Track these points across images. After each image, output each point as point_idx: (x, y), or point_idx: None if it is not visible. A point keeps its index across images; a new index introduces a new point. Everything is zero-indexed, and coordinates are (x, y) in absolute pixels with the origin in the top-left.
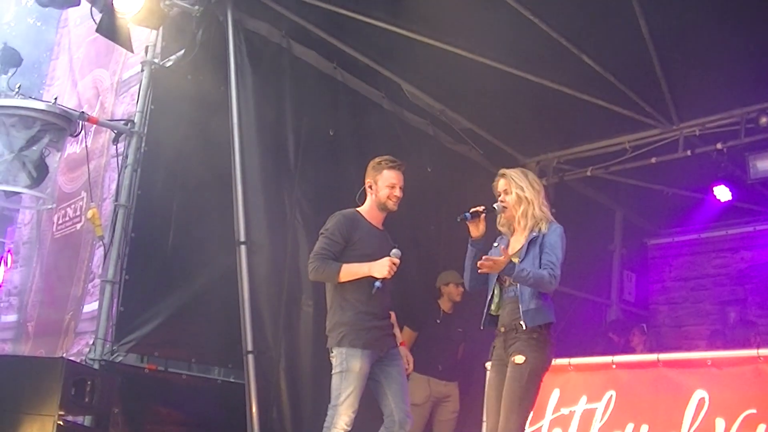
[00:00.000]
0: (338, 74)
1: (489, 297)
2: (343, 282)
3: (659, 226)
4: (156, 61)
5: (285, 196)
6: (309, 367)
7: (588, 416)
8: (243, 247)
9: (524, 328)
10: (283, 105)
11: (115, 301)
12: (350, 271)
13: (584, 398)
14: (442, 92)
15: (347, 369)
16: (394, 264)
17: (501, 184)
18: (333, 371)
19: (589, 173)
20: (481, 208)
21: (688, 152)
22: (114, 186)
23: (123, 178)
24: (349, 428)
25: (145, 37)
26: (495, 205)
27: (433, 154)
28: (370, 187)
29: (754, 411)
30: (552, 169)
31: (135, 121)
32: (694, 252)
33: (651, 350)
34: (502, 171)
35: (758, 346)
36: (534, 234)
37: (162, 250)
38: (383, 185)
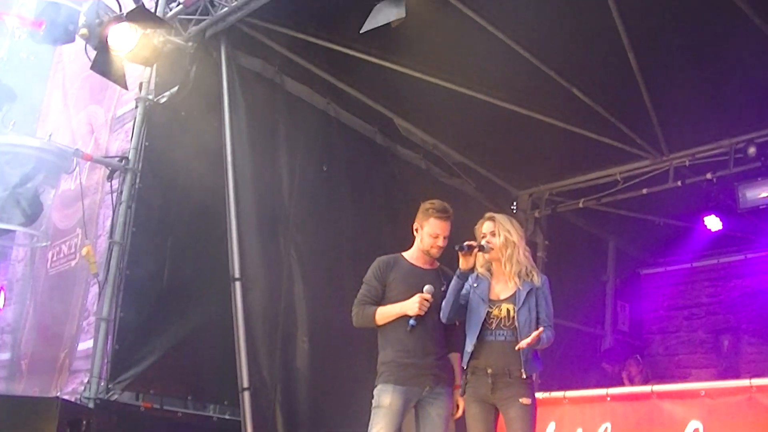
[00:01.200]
0: (331, 109)
1: (467, 333)
2: (382, 324)
3: (652, 256)
4: (150, 97)
5: (279, 231)
6: (305, 404)
7: None
8: (238, 284)
9: (524, 377)
10: (276, 140)
11: (110, 338)
12: (385, 313)
13: (580, 430)
14: (434, 126)
15: (378, 404)
16: (426, 300)
17: (487, 226)
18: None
19: (581, 205)
20: (475, 243)
21: (679, 182)
22: (109, 223)
23: (117, 215)
24: None
25: (139, 74)
26: (483, 244)
27: (426, 188)
28: (416, 230)
29: None
30: (544, 201)
31: (129, 157)
32: (686, 281)
33: (647, 380)
34: (489, 214)
35: (751, 376)
36: (529, 285)
37: (157, 287)
38: (427, 233)
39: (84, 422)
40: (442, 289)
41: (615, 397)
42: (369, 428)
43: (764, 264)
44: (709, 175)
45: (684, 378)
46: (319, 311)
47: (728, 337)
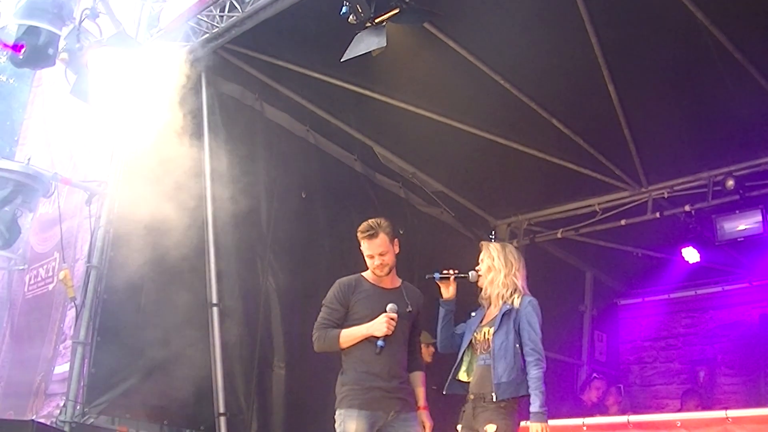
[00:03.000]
0: (311, 137)
1: (457, 362)
2: (347, 347)
3: (629, 287)
4: (129, 121)
5: (257, 258)
6: (281, 430)
7: None
8: (215, 309)
9: (495, 400)
10: (256, 167)
11: (87, 362)
12: (350, 335)
13: None
14: (413, 155)
15: (343, 431)
16: (392, 319)
17: (481, 254)
18: None
19: (559, 235)
20: (451, 272)
21: (657, 214)
22: (86, 247)
23: (95, 239)
24: None
25: (118, 99)
26: (470, 273)
27: (405, 217)
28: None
29: None
30: (523, 230)
31: (108, 182)
32: (664, 312)
33: (624, 411)
34: (482, 243)
35: (726, 408)
36: (507, 307)
37: (134, 311)
38: (365, 255)
39: None
40: (407, 309)
41: (591, 427)
42: None
43: (741, 296)
44: (687, 207)
45: (660, 408)
46: (296, 338)
47: (704, 368)
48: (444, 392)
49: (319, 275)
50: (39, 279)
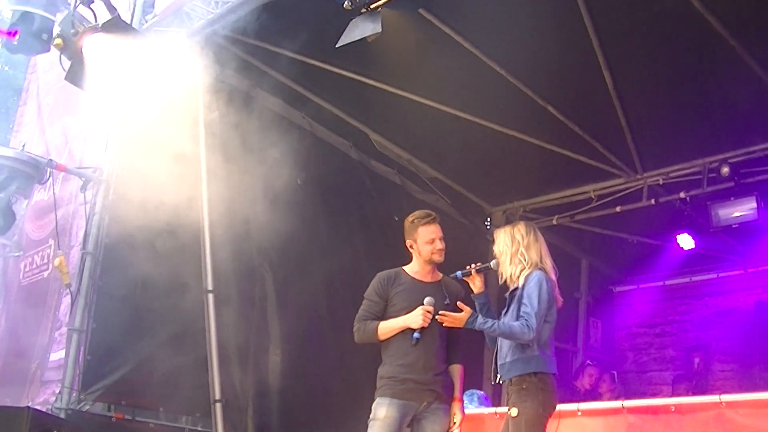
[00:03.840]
0: (306, 123)
1: (496, 351)
2: (385, 339)
3: (624, 274)
4: (124, 108)
5: (253, 244)
6: (277, 416)
7: None
8: (211, 296)
9: (499, 381)
10: (251, 153)
11: (82, 349)
12: (387, 327)
13: None
14: (409, 142)
15: (373, 417)
16: (428, 312)
17: None
18: None
19: (554, 222)
20: (472, 266)
21: (652, 201)
22: (82, 233)
23: (91, 225)
24: None
25: (114, 85)
26: (491, 263)
27: (400, 204)
28: (411, 247)
29: None
30: (518, 217)
31: (103, 168)
32: (659, 299)
33: (617, 399)
34: (495, 230)
35: (721, 392)
36: (514, 287)
37: (129, 298)
38: (423, 242)
39: None
40: (445, 302)
41: (586, 412)
42: None
43: (736, 283)
44: (682, 194)
45: (655, 395)
46: (292, 324)
47: (699, 355)
48: (492, 382)
49: (315, 261)
50: (34, 266)
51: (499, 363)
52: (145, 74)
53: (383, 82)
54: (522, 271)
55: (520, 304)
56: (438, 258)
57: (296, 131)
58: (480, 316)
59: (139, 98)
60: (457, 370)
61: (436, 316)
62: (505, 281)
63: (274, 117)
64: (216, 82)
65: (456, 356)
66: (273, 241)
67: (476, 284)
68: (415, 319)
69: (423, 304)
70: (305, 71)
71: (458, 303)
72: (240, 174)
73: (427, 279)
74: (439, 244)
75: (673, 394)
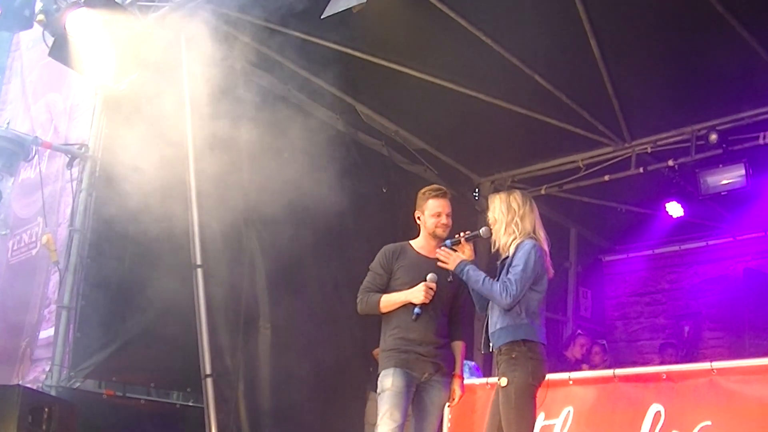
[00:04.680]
0: (293, 96)
1: (486, 319)
2: (387, 312)
3: (613, 243)
4: (110, 84)
5: (241, 218)
6: (268, 390)
7: None
8: (199, 271)
9: (490, 350)
10: (237, 128)
11: (72, 326)
12: (389, 300)
13: (542, 415)
14: (396, 113)
15: (381, 389)
16: (431, 288)
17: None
18: None
19: (543, 191)
20: (461, 234)
21: (641, 169)
22: (69, 211)
23: (78, 202)
24: None
25: (98, 61)
26: (482, 230)
27: (388, 175)
28: (419, 218)
29: (708, 423)
30: (506, 188)
31: (89, 145)
32: (648, 267)
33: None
34: (490, 195)
35: (711, 360)
36: (505, 256)
37: (118, 274)
38: (429, 215)
39: (46, 410)
40: (448, 279)
41: (577, 381)
42: (377, 414)
43: (725, 250)
44: (670, 162)
45: (645, 363)
46: (282, 298)
47: (689, 323)
48: (482, 351)
49: (303, 235)
50: (22, 244)
51: (489, 331)
52: (130, 50)
53: (370, 54)
54: (514, 240)
55: (508, 271)
56: (441, 232)
57: (283, 104)
58: (472, 266)
59: (123, 74)
60: (458, 347)
61: (438, 252)
62: (497, 249)
63: (260, 90)
64: (201, 57)
65: (458, 333)
66: (261, 215)
67: (466, 252)
68: (417, 294)
69: (426, 280)
70: (291, 44)
71: (463, 242)
72: (227, 148)
73: (432, 255)
74: (445, 219)
75: (660, 362)
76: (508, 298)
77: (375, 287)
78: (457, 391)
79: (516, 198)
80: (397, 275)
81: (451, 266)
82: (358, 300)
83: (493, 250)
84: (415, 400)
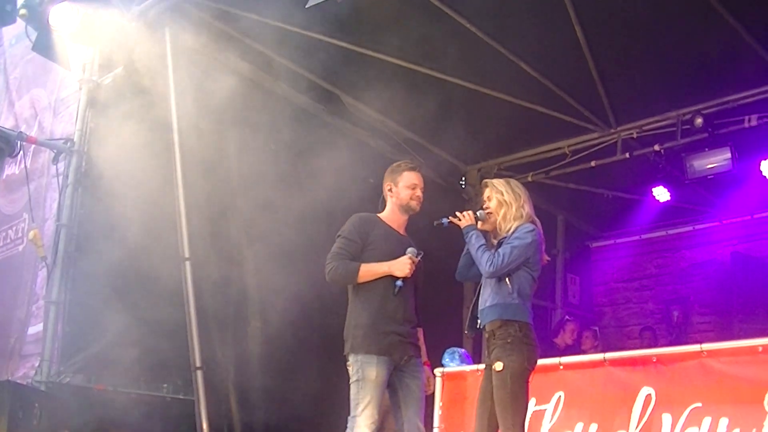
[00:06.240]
0: (278, 87)
1: (474, 299)
2: (362, 283)
3: (601, 229)
4: (94, 78)
5: (228, 211)
6: (259, 382)
7: (538, 418)
8: (188, 264)
9: (477, 327)
10: (223, 120)
11: (60, 321)
12: (369, 270)
13: (533, 400)
14: (381, 103)
15: (363, 377)
16: (413, 263)
17: (485, 192)
18: (350, 380)
19: (530, 179)
20: (459, 215)
21: (627, 155)
22: (55, 206)
23: (64, 197)
24: None
25: (82, 55)
26: (478, 213)
27: (374, 165)
28: (390, 190)
29: (699, 405)
30: (493, 175)
31: (74, 139)
32: (635, 253)
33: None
34: (485, 181)
35: (701, 342)
36: (501, 237)
37: (106, 268)
38: (404, 186)
39: (36, 405)
40: (418, 256)
41: (568, 366)
42: (355, 401)
43: (712, 235)
44: (656, 147)
45: (635, 349)
46: (271, 291)
47: (678, 308)
48: (466, 332)
49: (291, 226)
50: (8, 241)
51: (479, 308)
52: (114, 43)
53: (354, 43)
54: (519, 220)
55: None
56: (415, 205)
57: (268, 96)
58: (478, 233)
59: (108, 67)
60: (419, 333)
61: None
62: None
63: (246, 82)
64: (185, 49)
65: (419, 318)
66: (248, 206)
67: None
68: (401, 266)
69: (406, 254)
70: (274, 35)
71: (471, 213)
72: (213, 140)
73: (401, 231)
74: (419, 192)
75: (640, 346)
76: (491, 267)
77: (349, 254)
78: (431, 379)
79: (518, 185)
80: (373, 246)
81: (463, 224)
82: (329, 267)
83: (499, 232)
84: (397, 385)
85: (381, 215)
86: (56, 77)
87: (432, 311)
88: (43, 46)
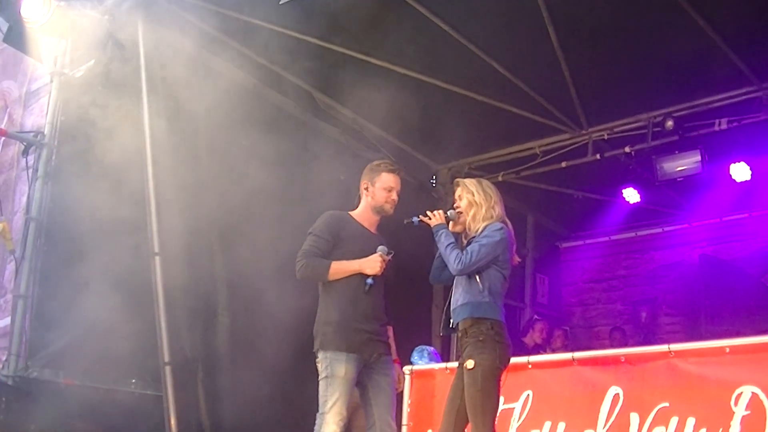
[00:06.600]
0: (249, 83)
1: (448, 300)
2: (332, 281)
3: (570, 230)
4: (66, 71)
5: (200, 207)
6: (227, 378)
7: (506, 416)
8: (158, 259)
9: (450, 327)
10: (195, 114)
11: (28, 315)
12: (340, 268)
13: (501, 399)
14: (353, 100)
15: (332, 374)
16: (384, 261)
17: (457, 191)
18: (319, 377)
19: (500, 178)
20: (430, 214)
21: (598, 156)
22: (25, 199)
23: (34, 190)
24: None
25: (54, 48)
26: (449, 212)
27: (345, 163)
28: (366, 188)
29: (666, 404)
30: (463, 175)
31: (45, 132)
32: (605, 254)
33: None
34: (457, 180)
35: (669, 342)
36: (471, 237)
37: (75, 262)
38: (381, 187)
39: (3, 399)
40: (389, 257)
41: (536, 365)
42: (323, 398)
43: (681, 237)
44: (627, 149)
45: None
46: (241, 287)
47: (646, 309)
48: (441, 333)
49: (262, 223)
50: None
51: (451, 308)
52: (86, 35)
53: (327, 41)
54: (486, 223)
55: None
56: (389, 208)
57: (240, 91)
58: (447, 231)
59: (80, 60)
60: (390, 331)
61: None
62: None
63: (218, 77)
64: (157, 42)
65: (389, 316)
66: (220, 203)
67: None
68: (372, 265)
69: (377, 252)
70: (248, 31)
71: (441, 212)
72: (185, 136)
73: (372, 229)
74: (395, 196)
75: (610, 346)
76: (459, 265)
77: (320, 252)
78: (401, 377)
79: (490, 185)
80: (344, 244)
81: (433, 223)
82: (300, 264)
83: (469, 232)
84: (367, 384)
85: (353, 213)
86: (27, 69)
87: (401, 310)
88: (15, 37)
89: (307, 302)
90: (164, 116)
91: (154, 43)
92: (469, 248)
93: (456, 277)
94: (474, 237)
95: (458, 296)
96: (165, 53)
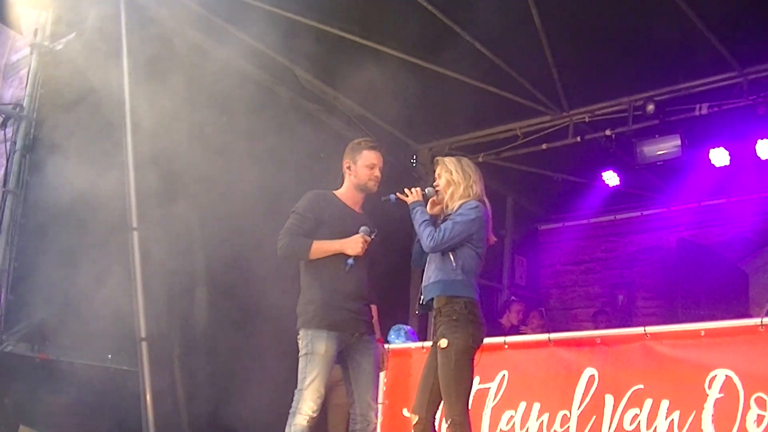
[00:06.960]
0: (232, 59)
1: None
2: (314, 260)
3: (550, 212)
4: (46, 44)
5: (178, 182)
6: (203, 354)
7: (481, 396)
8: (135, 234)
9: (421, 303)
10: (176, 90)
11: (4, 289)
12: (321, 247)
13: (477, 379)
14: (335, 78)
15: (312, 351)
16: (366, 241)
17: (437, 170)
18: (300, 353)
19: (480, 159)
20: (407, 191)
21: (578, 138)
22: (2, 172)
23: (12, 163)
24: (314, 414)
25: (34, 20)
26: (427, 190)
27: (326, 141)
28: (348, 167)
29: (641, 386)
30: (444, 155)
31: (24, 105)
32: (583, 236)
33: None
34: (437, 159)
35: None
36: (447, 214)
37: (53, 237)
38: (363, 165)
39: None
40: (372, 236)
41: (512, 345)
42: (302, 375)
43: (659, 221)
44: (608, 132)
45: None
46: (218, 263)
47: (623, 292)
48: (417, 312)
49: (240, 199)
50: None
51: (423, 284)
52: (67, 9)
53: (309, 17)
54: (462, 201)
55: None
56: (372, 185)
57: (222, 67)
58: (423, 209)
59: (60, 33)
60: (374, 310)
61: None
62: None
63: (199, 53)
64: (139, 17)
65: (373, 294)
66: (198, 179)
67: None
68: (354, 245)
69: (359, 232)
70: (231, 7)
71: (419, 189)
72: (165, 110)
73: (357, 209)
74: (378, 173)
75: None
76: (431, 242)
77: (302, 231)
78: (385, 356)
79: (469, 164)
80: (327, 224)
81: (409, 200)
82: (281, 243)
83: (446, 211)
84: (349, 364)
85: (337, 192)
86: (6, 41)
87: (378, 289)
88: None
89: (288, 279)
90: (145, 91)
91: (136, 16)
92: (442, 225)
93: (429, 255)
94: (449, 215)
95: (431, 273)
96: (146, 29)
